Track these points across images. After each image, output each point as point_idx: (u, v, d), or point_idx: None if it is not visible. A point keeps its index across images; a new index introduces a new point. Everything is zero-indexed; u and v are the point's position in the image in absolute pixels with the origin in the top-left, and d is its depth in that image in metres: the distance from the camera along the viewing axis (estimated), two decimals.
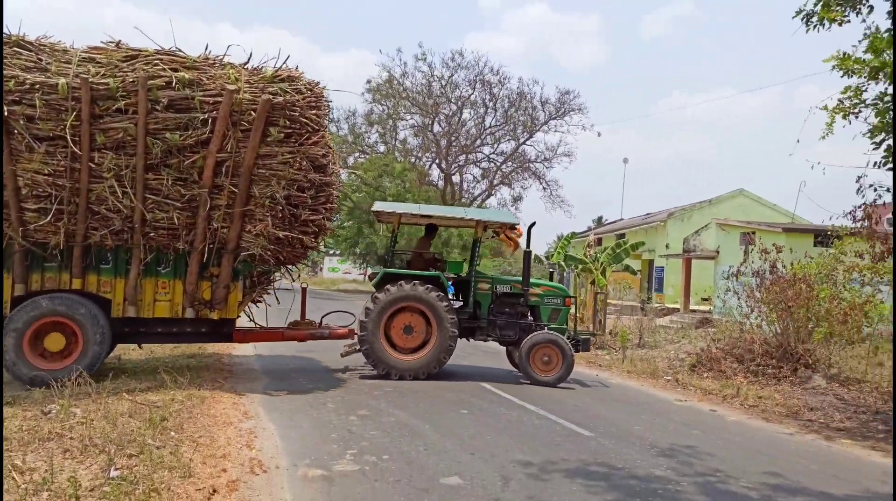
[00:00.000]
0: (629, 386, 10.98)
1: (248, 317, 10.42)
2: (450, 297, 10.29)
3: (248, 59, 8.83)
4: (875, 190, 9.42)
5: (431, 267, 10.95)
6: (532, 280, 11.09)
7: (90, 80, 7.98)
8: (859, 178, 9.32)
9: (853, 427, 8.40)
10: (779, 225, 23.43)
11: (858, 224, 10.21)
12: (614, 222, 45.96)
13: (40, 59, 8.17)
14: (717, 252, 24.42)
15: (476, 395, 9.20)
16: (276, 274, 10.48)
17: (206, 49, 8.80)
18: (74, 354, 8.40)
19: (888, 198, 9.29)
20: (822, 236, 17.27)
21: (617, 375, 12.08)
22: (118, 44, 8.57)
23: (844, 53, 7.93)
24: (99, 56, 8.36)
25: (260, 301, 10.47)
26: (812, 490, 5.61)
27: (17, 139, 7.96)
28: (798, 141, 44.96)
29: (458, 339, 10.29)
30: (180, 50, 8.60)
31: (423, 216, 11.61)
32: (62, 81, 7.92)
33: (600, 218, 65.28)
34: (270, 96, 8.36)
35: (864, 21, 8.15)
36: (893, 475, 3.94)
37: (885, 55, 7.79)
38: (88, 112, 8.00)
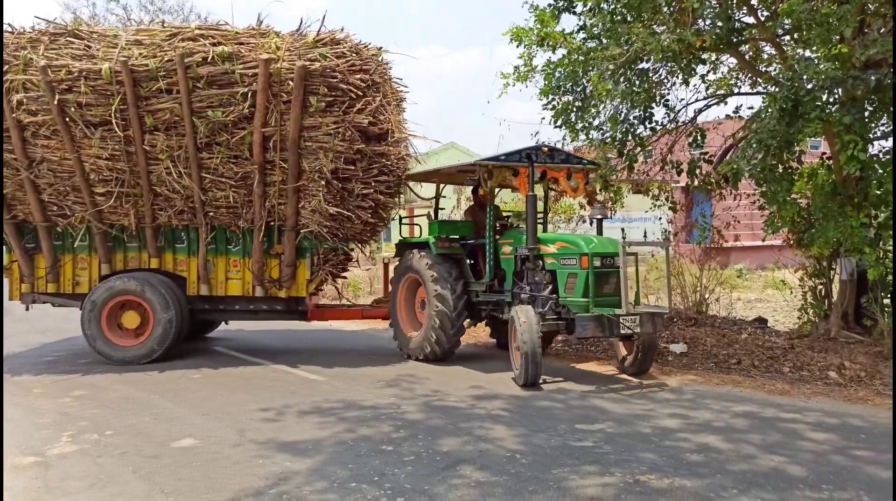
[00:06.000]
0: (367, 332, 11.72)
1: (338, 292, 10.46)
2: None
3: (299, 25, 8.37)
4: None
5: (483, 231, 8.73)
6: (547, 235, 8.45)
7: (129, 62, 7.99)
8: (535, 134, 11.01)
9: None
10: None
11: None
12: None
13: (89, 47, 8.27)
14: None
15: (209, 359, 9.07)
16: (351, 252, 9.69)
17: (259, 20, 8.60)
18: (147, 331, 8.62)
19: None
20: None
21: (353, 323, 12.60)
22: (163, 23, 8.63)
23: (517, 27, 9.24)
24: (145, 37, 8.33)
25: (340, 278, 9.87)
26: (504, 394, 6.83)
27: (74, 127, 8.18)
28: (489, 102, 51.63)
29: (485, 317, 8.84)
30: (225, 23, 8.50)
31: (457, 172, 9.10)
32: (105, 66, 7.99)
33: None
34: (307, 63, 7.99)
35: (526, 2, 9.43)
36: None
37: (548, 28, 9.26)
38: (133, 95, 8.04)
